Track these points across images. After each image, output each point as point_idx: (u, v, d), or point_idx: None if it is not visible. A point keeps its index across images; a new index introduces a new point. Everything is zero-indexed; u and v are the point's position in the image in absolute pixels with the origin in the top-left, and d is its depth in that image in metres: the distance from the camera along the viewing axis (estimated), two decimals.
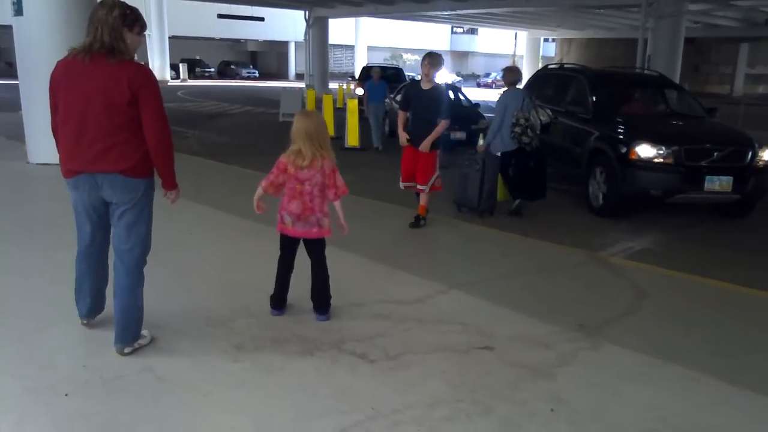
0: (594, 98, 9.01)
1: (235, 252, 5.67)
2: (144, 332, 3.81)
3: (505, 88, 8.01)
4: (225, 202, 7.58)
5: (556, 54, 50.60)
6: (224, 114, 22.55)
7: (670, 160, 7.56)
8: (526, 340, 4.05)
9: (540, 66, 49.73)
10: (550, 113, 8.28)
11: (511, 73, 8.03)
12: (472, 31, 66.50)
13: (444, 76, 48.98)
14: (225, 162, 11.18)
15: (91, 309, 3.89)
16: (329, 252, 4.33)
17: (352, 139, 13.97)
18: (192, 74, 50.14)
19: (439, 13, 34.73)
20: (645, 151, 7.66)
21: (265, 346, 3.82)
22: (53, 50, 9.54)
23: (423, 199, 6.80)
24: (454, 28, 65.03)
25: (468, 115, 14.55)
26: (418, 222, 6.74)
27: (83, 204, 3.62)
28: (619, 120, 8.60)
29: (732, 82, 45.95)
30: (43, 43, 9.53)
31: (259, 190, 4.14)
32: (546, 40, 51.35)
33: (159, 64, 45.70)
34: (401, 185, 6.97)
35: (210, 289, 4.71)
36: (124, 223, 3.57)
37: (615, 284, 5.30)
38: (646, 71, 14.09)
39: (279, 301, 4.32)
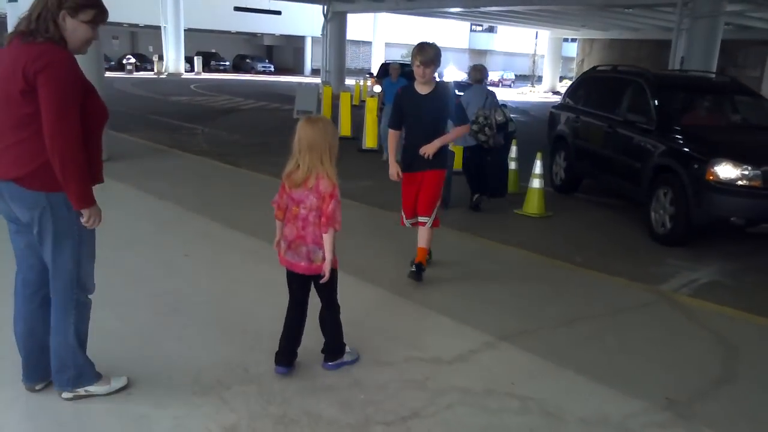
0: (658, 106, 7.64)
1: (238, 283, 4.77)
2: (104, 384, 3.10)
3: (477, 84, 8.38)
4: (230, 213, 6.71)
5: (577, 54, 49.37)
6: (237, 109, 21.71)
7: (757, 183, 6.31)
8: (604, 424, 3.13)
9: (560, 66, 49.11)
10: (508, 114, 8.12)
11: (477, 71, 8.42)
12: (491, 29, 65.34)
13: (496, 72, 48.19)
14: (233, 164, 10.32)
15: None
16: (346, 283, 3.57)
17: (370, 140, 13.05)
18: (207, 67, 49.48)
19: (460, 9, 33.79)
20: (726, 171, 6.37)
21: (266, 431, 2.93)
22: None
23: (424, 238, 4.94)
24: (473, 26, 63.88)
25: None
26: (419, 272, 4.90)
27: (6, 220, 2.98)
28: (691, 132, 7.27)
29: (759, 86, 44.55)
30: None
31: (278, 225, 3.42)
32: (566, 40, 50.12)
33: (174, 57, 45.15)
34: (406, 223, 5.12)
35: (202, 337, 3.82)
36: (43, 249, 2.91)
37: (695, 335, 4.37)
38: (714, 75, 12.67)
39: (285, 357, 3.47)
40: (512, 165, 9.35)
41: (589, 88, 9.82)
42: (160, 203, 7.09)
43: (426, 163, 4.82)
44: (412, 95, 4.87)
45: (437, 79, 4.90)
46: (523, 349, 3.87)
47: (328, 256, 3.25)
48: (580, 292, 5.09)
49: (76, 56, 2.83)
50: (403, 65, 22.58)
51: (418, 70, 4.68)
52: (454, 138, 5.08)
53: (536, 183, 7.99)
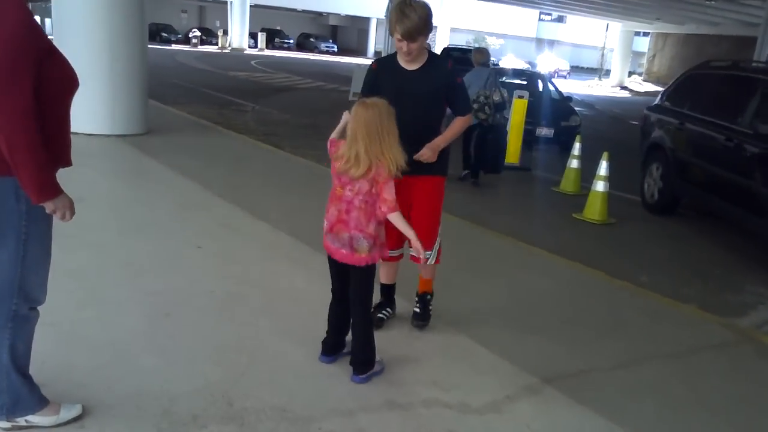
0: None
1: (248, 285, 4.18)
2: (51, 413, 2.54)
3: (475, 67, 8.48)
4: (258, 201, 6.15)
5: (649, 49, 47.28)
6: (293, 88, 21.26)
7: None
8: None
9: (630, 61, 46.84)
10: (505, 94, 8.44)
11: (480, 54, 8.81)
12: (560, 19, 63.28)
13: (549, 63, 46.43)
14: (276, 145, 9.80)
15: None
16: None
17: None
18: (271, 44, 49.43)
19: None
20: None
21: None
22: (90, 6, 8.71)
23: (428, 271, 3.74)
24: (542, 15, 61.96)
25: (557, 109, 12.68)
26: (425, 311, 3.74)
27: None
28: None
29: None
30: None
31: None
32: (638, 33, 47.97)
33: (238, 32, 45.27)
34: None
35: (189, 353, 3.24)
36: None
37: None
38: None
39: (329, 346, 3.24)
40: (575, 163, 8.55)
41: (698, 88, 7.93)
42: (186, 184, 6.59)
43: (421, 167, 3.34)
44: (394, 70, 3.42)
45: (429, 49, 3.51)
46: (572, 397, 3.15)
47: (412, 233, 2.99)
48: (643, 323, 4.32)
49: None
50: (464, 51, 21.83)
51: (399, 45, 3.30)
52: (458, 133, 3.55)
53: (600, 186, 7.19)
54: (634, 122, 20.90)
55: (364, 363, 3.10)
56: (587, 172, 7.88)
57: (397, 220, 2.94)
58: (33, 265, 2.37)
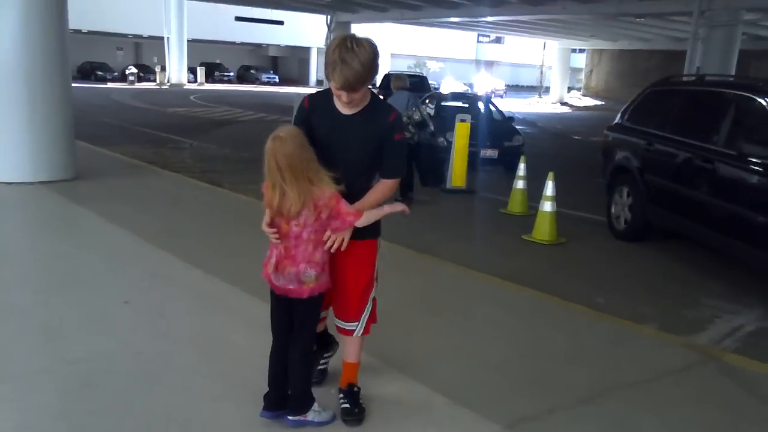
0: None
1: (180, 342, 3.83)
2: None
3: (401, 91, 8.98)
4: (193, 246, 5.80)
5: (586, 65, 48.52)
6: (234, 121, 20.87)
7: None
8: None
9: (569, 77, 47.92)
10: (421, 111, 9.09)
11: (399, 80, 9.52)
12: (498, 40, 64.52)
13: (486, 83, 47.08)
14: (214, 183, 9.42)
15: None
16: None
17: None
18: (210, 78, 48.87)
19: (465, 19, 32.97)
20: None
21: None
22: (8, 44, 8.23)
23: (352, 351, 3.10)
24: (480, 37, 63.06)
25: (500, 130, 12.66)
26: (354, 403, 3.03)
27: None
28: None
29: None
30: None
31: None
32: (575, 50, 49.21)
33: (177, 67, 44.68)
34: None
35: None
36: None
37: (759, 417, 3.41)
38: None
39: (271, 400, 2.90)
40: (520, 184, 8.45)
41: (662, 105, 7.42)
42: (115, 232, 6.17)
43: (357, 232, 2.87)
44: (327, 111, 2.87)
45: (372, 93, 2.91)
46: None
47: (385, 209, 2.92)
48: (604, 350, 4.13)
49: None
50: (408, 76, 21.87)
51: (337, 94, 2.76)
52: (380, 201, 2.92)
53: (548, 206, 7.06)
54: (576, 137, 21.23)
55: (298, 405, 2.87)
56: (534, 192, 7.76)
57: (368, 218, 2.84)
58: None
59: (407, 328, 4.23)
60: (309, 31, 49.05)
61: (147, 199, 8.01)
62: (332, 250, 2.78)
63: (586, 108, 39.17)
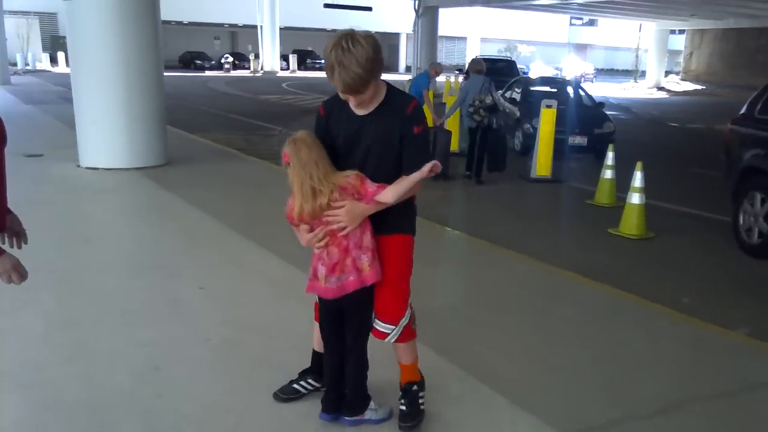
0: None
1: (248, 330, 3.90)
2: None
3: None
4: (274, 232, 5.84)
5: (685, 47, 46.08)
6: None
7: None
8: None
9: (666, 60, 45.43)
10: (494, 96, 9.20)
11: (476, 64, 9.90)
12: (592, 23, 62.35)
13: (575, 67, 45.62)
14: None
15: None
16: None
17: (453, 143, 11.97)
18: (303, 65, 49.75)
19: (557, 1, 32.01)
20: None
21: None
22: (105, 37, 8.63)
23: (403, 354, 2.88)
24: (573, 20, 61.12)
25: (590, 116, 12.20)
26: (414, 404, 2.88)
27: None
28: None
29: None
30: (93, 30, 8.39)
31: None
32: (673, 32, 46.79)
33: (270, 55, 45.83)
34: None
35: (175, 417, 2.95)
36: None
37: None
38: None
39: (329, 403, 2.85)
40: (608, 173, 8.10)
41: None
42: (199, 217, 6.36)
43: (378, 224, 2.68)
44: (343, 114, 2.67)
45: (387, 85, 2.68)
46: None
47: (414, 176, 2.58)
48: (686, 356, 3.88)
49: None
50: (493, 60, 21.46)
51: (344, 97, 2.59)
52: (402, 195, 2.61)
53: (636, 198, 6.72)
54: (673, 124, 20.23)
55: (353, 405, 2.83)
56: (625, 182, 7.39)
57: (393, 192, 2.58)
58: None
59: (474, 324, 4.13)
60: (397, 16, 49.10)
61: (233, 185, 8.21)
62: (334, 225, 2.59)
63: (685, 93, 37.24)
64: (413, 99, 2.67)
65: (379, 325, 2.76)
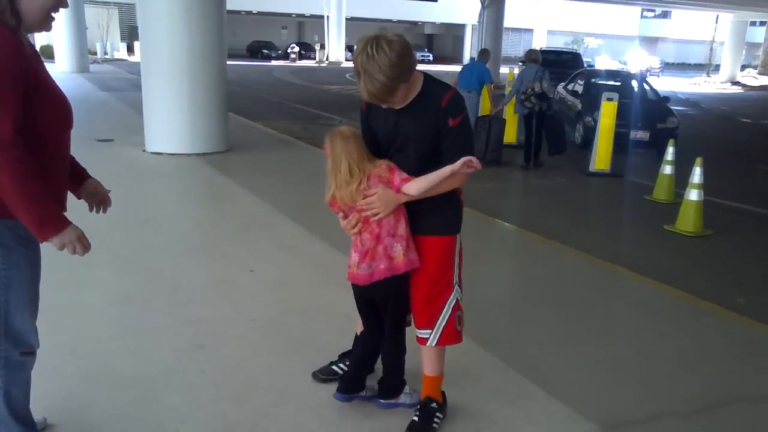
0: None
1: (291, 312, 4.01)
2: None
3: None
4: (325, 219, 5.96)
5: (765, 39, 44.06)
6: None
7: None
8: None
9: (743, 53, 43.37)
10: (543, 84, 9.46)
11: (531, 53, 10.51)
12: (665, 15, 60.38)
13: (640, 60, 44.18)
14: None
15: None
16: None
17: (509, 134, 11.86)
18: None
19: None
20: None
21: None
22: (172, 27, 8.91)
23: (429, 363, 2.82)
24: (644, 12, 59.35)
25: (654, 110, 11.89)
26: (427, 420, 2.77)
27: None
28: None
29: None
30: (161, 20, 8.68)
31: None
32: (753, 23, 44.79)
33: (335, 46, 46.21)
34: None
35: (216, 392, 3.08)
36: None
37: None
38: None
39: (346, 383, 2.91)
40: (668, 169, 7.89)
41: None
42: (254, 202, 6.55)
43: (418, 224, 2.66)
44: (382, 111, 2.60)
45: (424, 75, 2.58)
46: None
47: (445, 170, 2.52)
48: (733, 356, 3.78)
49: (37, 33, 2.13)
50: (558, 53, 21.10)
51: (368, 72, 2.40)
52: (438, 181, 2.52)
53: (694, 194, 6.54)
54: (745, 120, 19.45)
55: (389, 389, 2.88)
56: (685, 178, 7.18)
57: (420, 184, 2.54)
58: (16, 310, 2.21)
59: (517, 316, 4.13)
60: (463, 7, 48.79)
61: (289, 172, 8.38)
62: (363, 214, 2.59)
63: (762, 88, 35.64)
64: (449, 90, 2.57)
65: (417, 331, 2.72)
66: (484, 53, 12.09)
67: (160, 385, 3.06)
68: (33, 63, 2.08)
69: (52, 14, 2.14)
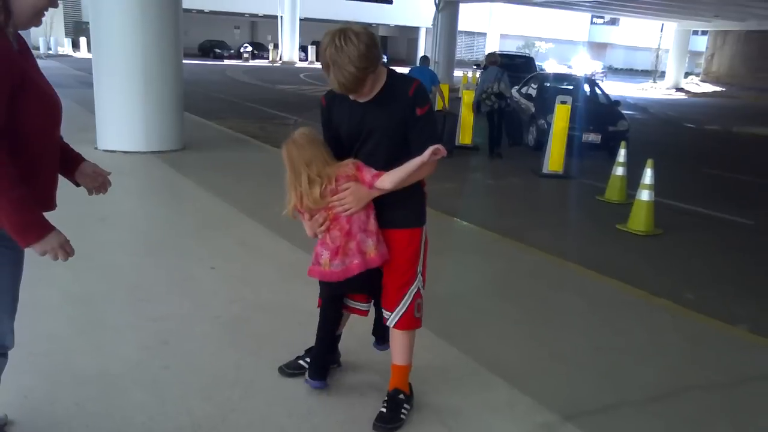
0: None
1: (260, 309, 4.01)
2: None
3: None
4: (285, 218, 5.97)
5: (707, 48, 45.59)
6: None
7: None
8: None
9: (686, 61, 44.77)
10: (500, 85, 10.78)
11: (491, 57, 11.75)
12: (614, 22, 61.92)
13: (585, 65, 45.32)
14: None
15: None
16: None
17: (465, 136, 12.04)
18: None
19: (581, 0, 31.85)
20: None
21: None
22: (126, 24, 8.75)
23: (398, 352, 2.88)
24: (594, 18, 60.74)
25: (605, 114, 12.21)
26: (395, 410, 2.81)
27: None
28: None
29: None
30: (116, 17, 8.51)
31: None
32: (695, 32, 46.26)
33: (289, 46, 45.95)
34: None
35: (182, 388, 3.06)
36: None
37: None
38: None
39: (320, 366, 3.02)
40: (619, 170, 8.12)
41: None
42: (212, 201, 6.49)
43: (385, 218, 2.71)
44: (345, 103, 2.63)
45: (388, 70, 2.63)
46: None
47: (414, 161, 2.56)
48: (685, 348, 3.93)
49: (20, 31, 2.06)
50: (511, 56, 21.45)
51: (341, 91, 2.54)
52: (409, 175, 2.58)
53: (645, 195, 6.76)
54: (689, 125, 20.10)
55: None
56: (636, 180, 7.43)
57: (393, 178, 2.57)
58: None
59: (478, 312, 4.21)
60: (418, 10, 49.02)
61: (246, 171, 8.32)
62: (334, 210, 2.63)
63: (704, 95, 36.90)
64: (414, 81, 2.62)
65: (384, 312, 2.81)
66: (425, 60, 12.85)
67: (124, 381, 3.02)
68: (20, 62, 2.01)
69: (44, 12, 2.09)
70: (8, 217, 1.96)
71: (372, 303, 2.96)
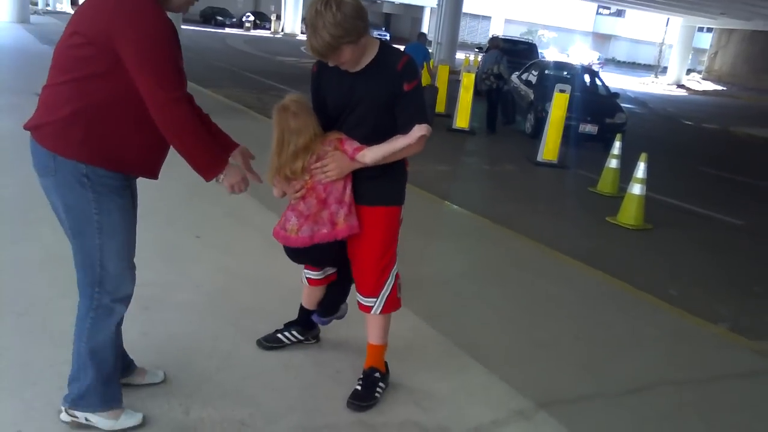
0: None
1: (242, 279, 4.00)
2: (111, 417, 2.42)
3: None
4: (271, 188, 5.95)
5: (711, 46, 45.44)
6: None
7: None
8: None
9: (690, 58, 44.67)
10: (501, 68, 12.01)
11: (495, 40, 13.26)
12: (619, 14, 61.57)
13: (582, 55, 45.20)
14: None
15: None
16: None
17: (462, 119, 11.99)
18: None
19: None
20: None
21: None
22: None
23: (375, 332, 2.86)
24: (600, 9, 60.38)
25: (604, 105, 12.17)
26: (369, 388, 2.82)
27: None
28: None
29: None
30: None
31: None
32: (701, 29, 46.07)
33: (291, 17, 45.54)
34: (304, 278, 3.06)
35: (159, 355, 3.05)
36: (64, 229, 2.35)
37: None
38: None
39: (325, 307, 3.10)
40: (613, 163, 8.12)
41: None
42: None
43: (364, 194, 2.68)
44: (335, 72, 2.58)
45: (380, 42, 2.60)
46: (567, 426, 2.85)
47: (398, 142, 2.57)
48: (664, 343, 3.96)
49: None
50: (514, 41, 21.32)
51: (318, 38, 2.42)
52: (393, 152, 2.57)
53: (637, 189, 6.76)
54: (687, 122, 20.09)
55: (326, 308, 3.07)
56: (629, 173, 7.41)
57: (375, 153, 2.56)
58: (109, 257, 2.28)
59: (462, 296, 4.21)
60: None
61: (239, 140, 8.23)
62: (315, 177, 2.61)
63: (704, 93, 36.82)
64: (404, 55, 2.59)
65: (362, 299, 2.77)
66: (421, 36, 13.82)
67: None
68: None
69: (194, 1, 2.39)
70: (200, 155, 2.32)
71: (323, 272, 2.98)
